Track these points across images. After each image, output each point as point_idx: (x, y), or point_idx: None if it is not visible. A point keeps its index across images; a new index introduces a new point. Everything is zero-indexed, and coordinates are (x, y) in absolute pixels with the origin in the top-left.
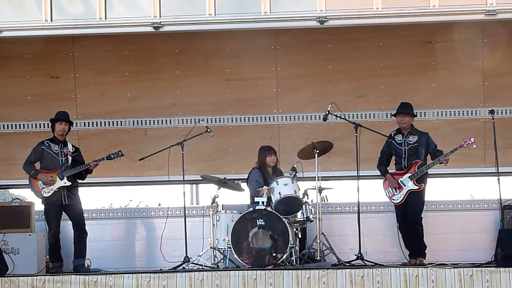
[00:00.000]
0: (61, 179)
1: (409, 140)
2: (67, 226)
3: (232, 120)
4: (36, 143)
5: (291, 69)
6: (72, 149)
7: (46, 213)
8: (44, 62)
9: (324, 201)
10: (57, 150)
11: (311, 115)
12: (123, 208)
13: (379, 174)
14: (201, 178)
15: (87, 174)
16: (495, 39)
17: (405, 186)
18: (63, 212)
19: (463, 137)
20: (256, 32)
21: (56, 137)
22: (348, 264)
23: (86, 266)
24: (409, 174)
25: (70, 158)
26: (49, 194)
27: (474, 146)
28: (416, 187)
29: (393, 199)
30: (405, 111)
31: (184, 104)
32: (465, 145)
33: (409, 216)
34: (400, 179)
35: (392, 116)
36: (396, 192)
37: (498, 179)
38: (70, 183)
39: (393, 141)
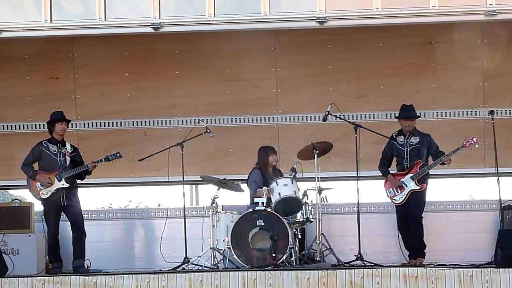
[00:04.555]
0: (59, 181)
1: (411, 141)
2: (66, 227)
3: (231, 120)
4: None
5: (290, 70)
6: (71, 149)
7: (45, 214)
8: (44, 63)
9: (324, 201)
10: (55, 151)
11: (310, 116)
12: (123, 209)
13: (379, 174)
14: (201, 179)
15: (86, 175)
16: (495, 40)
17: (406, 186)
18: (63, 213)
19: (463, 137)
20: (256, 32)
21: (55, 138)
22: (347, 265)
23: (86, 266)
24: (411, 175)
25: (68, 158)
26: (47, 196)
27: (477, 146)
28: (418, 187)
29: (394, 200)
30: (412, 115)
31: (184, 104)
32: (467, 144)
33: (410, 215)
34: (402, 179)
35: (395, 117)
36: (398, 192)
37: (498, 179)
38: (68, 185)
39: (395, 142)
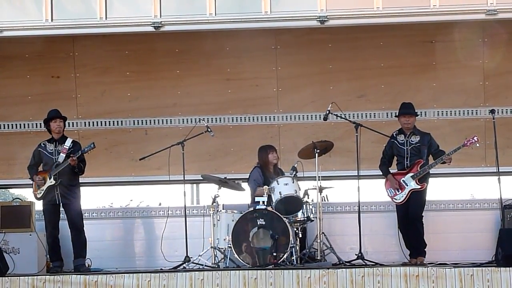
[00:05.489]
0: (49, 179)
1: (411, 140)
2: (67, 226)
3: (232, 119)
4: (36, 143)
5: (291, 69)
6: (69, 145)
7: (43, 213)
8: (45, 62)
9: (325, 200)
10: (51, 150)
11: (311, 115)
12: (124, 208)
13: (380, 173)
14: (201, 178)
15: (79, 170)
16: (496, 39)
17: (407, 185)
18: (63, 211)
19: (464, 136)
20: (257, 31)
21: (53, 137)
22: (348, 264)
23: (87, 265)
24: (411, 174)
25: (63, 155)
26: (40, 195)
27: (478, 145)
28: (419, 186)
29: (395, 199)
30: (410, 112)
31: (185, 103)
32: (468, 144)
33: (410, 214)
34: (402, 178)
35: (395, 116)
36: (398, 192)
37: (499, 178)
38: (54, 182)
39: (395, 141)
